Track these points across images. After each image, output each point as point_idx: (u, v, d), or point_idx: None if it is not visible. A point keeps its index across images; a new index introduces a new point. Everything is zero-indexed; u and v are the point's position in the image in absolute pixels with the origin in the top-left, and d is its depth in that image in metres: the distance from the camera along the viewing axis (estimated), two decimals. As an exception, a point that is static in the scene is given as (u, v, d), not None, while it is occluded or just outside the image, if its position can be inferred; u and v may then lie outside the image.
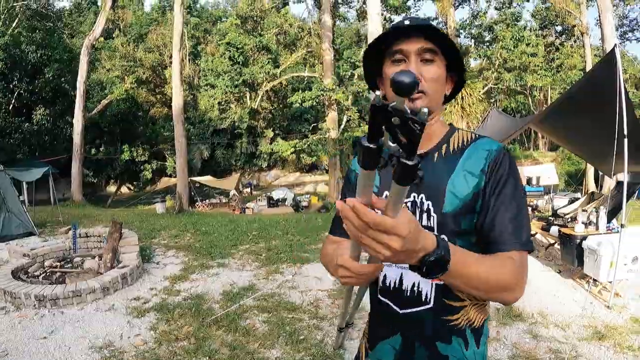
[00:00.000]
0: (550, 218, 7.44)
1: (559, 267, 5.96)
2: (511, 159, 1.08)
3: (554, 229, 6.25)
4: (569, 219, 6.82)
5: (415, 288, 1.11)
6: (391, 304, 1.15)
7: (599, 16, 12.50)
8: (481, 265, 0.93)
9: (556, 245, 6.35)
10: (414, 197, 1.11)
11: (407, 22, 1.06)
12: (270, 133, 29.84)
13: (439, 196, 1.07)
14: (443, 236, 0.96)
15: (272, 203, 20.19)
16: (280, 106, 32.73)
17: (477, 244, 1.06)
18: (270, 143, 28.92)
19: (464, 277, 0.90)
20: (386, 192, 1.05)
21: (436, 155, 1.13)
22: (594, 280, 5.03)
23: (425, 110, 0.57)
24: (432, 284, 1.09)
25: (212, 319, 4.37)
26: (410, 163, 0.61)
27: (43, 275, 5.47)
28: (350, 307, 1.31)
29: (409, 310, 1.12)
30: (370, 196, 0.73)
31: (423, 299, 1.10)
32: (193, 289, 5.39)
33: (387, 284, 1.15)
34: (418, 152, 0.98)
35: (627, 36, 26.49)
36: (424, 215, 1.09)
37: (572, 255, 5.34)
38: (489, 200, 1.04)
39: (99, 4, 34.45)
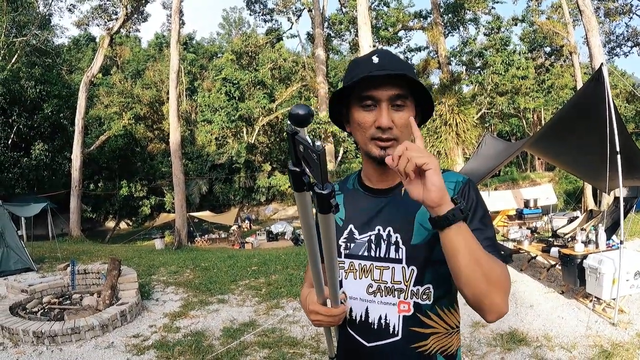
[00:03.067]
0: (550, 239, 7.41)
1: (562, 288, 5.91)
2: (476, 189, 1.10)
3: (554, 250, 6.22)
4: (569, 239, 6.80)
5: (382, 321, 1.08)
6: (358, 338, 1.12)
7: (586, 35, 12.71)
8: (481, 247, 0.91)
9: (557, 266, 6.31)
10: (379, 229, 1.11)
11: (382, 72, 1.00)
12: (267, 167, 29.94)
13: (407, 228, 1.07)
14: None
15: (272, 237, 19.99)
16: (277, 140, 32.95)
17: (447, 276, 0.98)
18: (268, 177, 29.01)
19: (470, 241, 0.88)
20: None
21: (403, 189, 1.09)
22: (597, 298, 4.99)
23: (319, 143, 0.62)
24: (399, 315, 1.07)
25: (213, 356, 4.29)
26: (323, 192, 0.66)
27: (41, 311, 5.41)
28: (333, 336, 1.30)
29: (376, 344, 1.09)
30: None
31: (391, 331, 1.07)
32: (193, 325, 5.31)
33: (354, 317, 1.13)
34: (387, 187, 1.14)
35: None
36: (392, 247, 1.08)
37: (573, 275, 5.31)
38: None
39: (97, 40, 35.16)
